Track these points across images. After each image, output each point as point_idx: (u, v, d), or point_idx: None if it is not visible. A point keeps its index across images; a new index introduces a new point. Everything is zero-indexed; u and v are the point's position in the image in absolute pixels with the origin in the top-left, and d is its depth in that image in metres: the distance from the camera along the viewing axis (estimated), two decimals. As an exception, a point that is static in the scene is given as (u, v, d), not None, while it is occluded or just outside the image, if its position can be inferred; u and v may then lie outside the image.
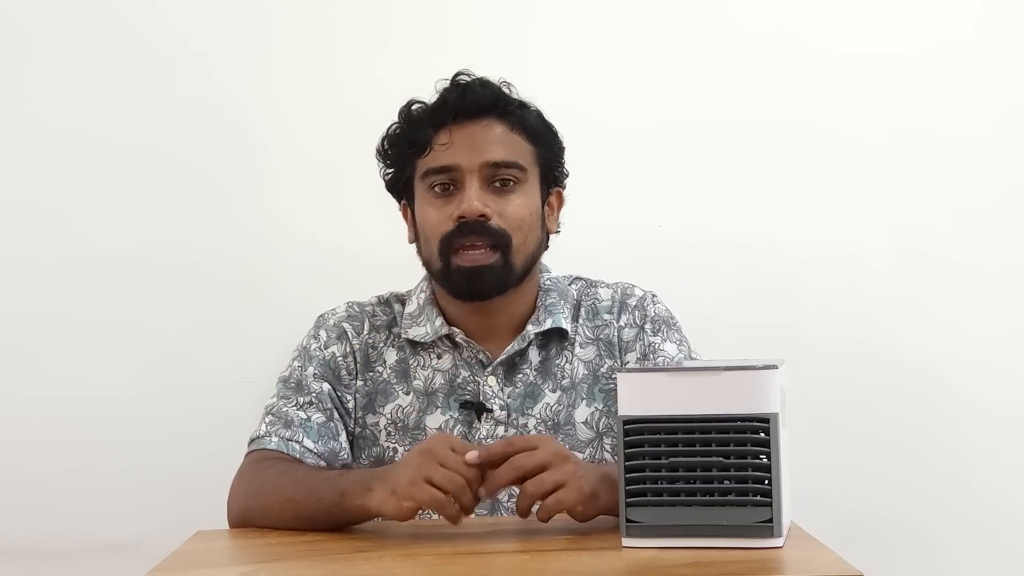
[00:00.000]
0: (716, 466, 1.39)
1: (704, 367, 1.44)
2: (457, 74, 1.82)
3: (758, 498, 1.38)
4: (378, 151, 1.86)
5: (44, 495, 2.26)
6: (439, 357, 1.82)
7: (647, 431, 1.41)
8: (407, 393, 1.81)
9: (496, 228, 1.75)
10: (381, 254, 2.16)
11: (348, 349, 1.83)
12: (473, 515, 1.72)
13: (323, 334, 1.84)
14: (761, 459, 1.38)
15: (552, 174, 1.85)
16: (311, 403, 1.78)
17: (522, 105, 1.82)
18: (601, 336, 1.84)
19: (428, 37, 2.31)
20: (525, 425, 1.79)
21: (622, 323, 1.85)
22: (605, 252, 2.26)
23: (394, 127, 1.84)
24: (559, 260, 1.91)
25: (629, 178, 2.31)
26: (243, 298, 2.29)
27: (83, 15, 2.29)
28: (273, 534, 1.59)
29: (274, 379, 1.84)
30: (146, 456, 2.27)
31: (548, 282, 1.86)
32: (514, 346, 1.80)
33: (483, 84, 1.80)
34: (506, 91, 1.81)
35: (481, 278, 1.75)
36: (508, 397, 1.79)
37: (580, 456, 1.70)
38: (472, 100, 1.78)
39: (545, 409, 1.79)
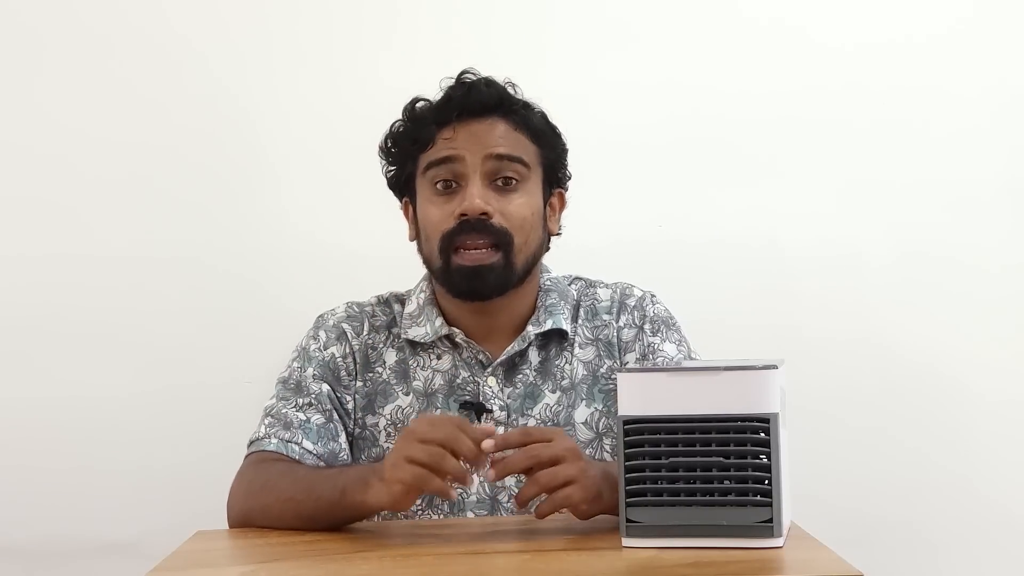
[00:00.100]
0: (716, 466, 1.39)
1: (704, 367, 1.44)
2: (462, 72, 1.82)
3: (758, 498, 1.38)
4: (381, 147, 1.85)
5: (44, 495, 2.26)
6: (439, 357, 1.81)
7: (647, 431, 1.41)
8: (407, 394, 1.80)
9: (498, 227, 1.74)
10: (382, 254, 2.16)
11: (348, 350, 1.82)
12: (473, 515, 1.73)
13: (322, 335, 1.84)
14: (761, 459, 1.38)
15: (555, 175, 1.85)
16: (310, 404, 1.77)
17: (526, 105, 1.82)
18: (600, 336, 1.84)
19: (430, 37, 2.31)
20: (525, 426, 1.79)
21: (621, 323, 1.84)
22: (605, 252, 2.26)
23: (398, 124, 1.83)
24: (559, 260, 1.90)
25: (629, 177, 2.31)
26: (243, 298, 2.29)
27: (83, 15, 2.29)
28: (273, 534, 1.59)
29: (274, 379, 1.83)
30: (146, 456, 2.27)
31: (548, 282, 1.86)
32: (514, 347, 1.80)
33: (488, 83, 1.80)
34: (511, 91, 1.81)
35: (481, 278, 1.74)
36: (508, 398, 1.79)
37: (582, 456, 1.71)
38: (477, 98, 1.78)
39: (545, 410, 1.79)
